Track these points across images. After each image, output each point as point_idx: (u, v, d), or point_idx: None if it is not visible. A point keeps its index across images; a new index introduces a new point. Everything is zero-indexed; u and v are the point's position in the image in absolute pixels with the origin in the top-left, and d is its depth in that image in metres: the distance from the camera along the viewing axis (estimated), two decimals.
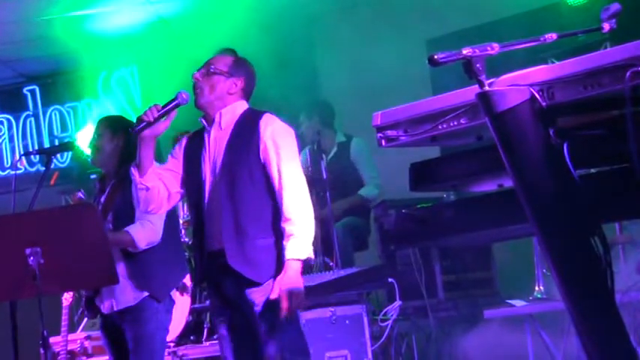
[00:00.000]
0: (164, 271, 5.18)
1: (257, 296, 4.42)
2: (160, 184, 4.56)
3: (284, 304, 4.29)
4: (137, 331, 5.09)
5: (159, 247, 5.13)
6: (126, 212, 5.15)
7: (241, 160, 4.47)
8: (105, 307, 5.20)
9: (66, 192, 9.97)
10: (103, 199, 5.33)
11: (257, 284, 4.41)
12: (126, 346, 5.15)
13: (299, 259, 4.36)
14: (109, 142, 5.34)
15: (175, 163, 4.67)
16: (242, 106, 4.64)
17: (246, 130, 4.50)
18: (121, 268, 5.09)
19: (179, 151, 4.69)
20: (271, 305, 4.38)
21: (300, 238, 4.37)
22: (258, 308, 4.41)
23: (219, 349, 4.66)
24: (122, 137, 5.35)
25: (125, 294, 5.12)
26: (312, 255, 4.45)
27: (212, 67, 4.57)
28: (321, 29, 9.43)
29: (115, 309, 5.14)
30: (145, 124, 4.42)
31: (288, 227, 4.38)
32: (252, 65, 4.75)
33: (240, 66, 4.66)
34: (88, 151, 5.65)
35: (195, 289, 7.10)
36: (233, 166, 4.46)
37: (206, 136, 4.61)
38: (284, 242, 4.36)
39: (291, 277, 4.32)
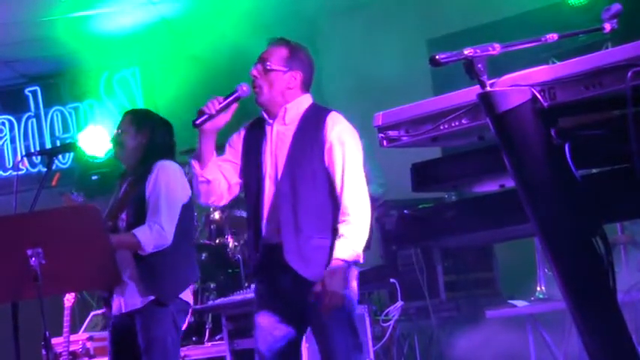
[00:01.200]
0: (173, 275, 5.13)
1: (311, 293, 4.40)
2: (220, 177, 4.53)
3: (321, 302, 4.28)
4: (148, 334, 5.05)
5: (169, 250, 5.08)
6: (141, 211, 5.12)
7: (305, 157, 4.43)
8: (115, 307, 5.18)
9: (67, 193, 9.99)
10: (119, 195, 5.30)
11: (312, 282, 4.38)
12: (133, 349, 5.11)
13: (344, 260, 4.33)
14: (132, 138, 5.25)
15: (234, 153, 4.62)
16: (306, 100, 4.58)
17: (312, 128, 4.45)
18: (130, 270, 5.08)
19: (237, 140, 4.64)
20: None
21: (351, 240, 4.36)
22: (311, 304, 4.39)
23: (255, 340, 4.61)
24: (146, 134, 5.28)
25: (133, 296, 5.09)
26: (360, 258, 4.41)
27: (268, 63, 4.49)
28: (323, 30, 9.43)
29: (124, 310, 5.12)
30: (206, 116, 4.37)
31: (341, 227, 4.36)
32: (308, 51, 4.67)
33: (297, 57, 4.56)
34: (109, 145, 5.58)
35: (198, 290, 7.11)
36: (296, 162, 4.42)
37: (268, 128, 4.56)
38: (335, 241, 4.36)
39: (332, 277, 4.30)
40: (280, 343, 4.49)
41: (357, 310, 4.61)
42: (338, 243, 4.34)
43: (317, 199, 4.40)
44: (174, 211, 5.11)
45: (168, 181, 5.11)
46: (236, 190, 4.65)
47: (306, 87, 4.60)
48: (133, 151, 5.25)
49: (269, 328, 4.51)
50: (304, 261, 4.38)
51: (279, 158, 4.48)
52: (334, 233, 4.41)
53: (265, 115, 4.58)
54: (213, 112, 4.37)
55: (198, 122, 4.38)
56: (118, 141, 5.29)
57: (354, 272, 4.53)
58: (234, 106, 4.43)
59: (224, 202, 4.69)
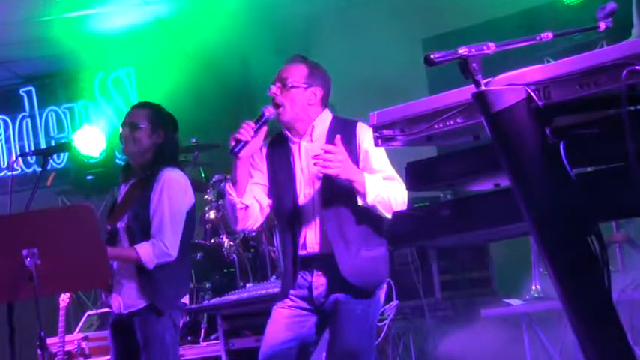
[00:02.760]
0: (172, 287, 5.12)
1: (346, 301, 4.47)
2: (253, 201, 4.58)
3: (331, 155, 4.29)
4: (146, 332, 5.05)
5: (172, 262, 5.09)
6: (141, 218, 5.10)
7: None
8: (115, 306, 5.19)
9: (63, 193, 9.99)
10: (121, 196, 5.27)
11: (352, 290, 4.44)
12: (133, 346, 5.11)
13: (364, 179, 4.33)
14: (147, 136, 5.17)
15: (260, 175, 4.67)
16: (328, 115, 4.66)
17: (343, 140, 4.43)
18: (131, 274, 5.07)
19: (261, 161, 4.68)
20: (350, 306, 4.45)
21: (384, 184, 4.39)
22: (343, 311, 4.46)
23: (266, 330, 4.64)
24: (161, 134, 5.21)
25: (131, 299, 5.09)
26: (368, 193, 4.36)
27: (288, 81, 4.54)
28: (317, 29, 9.43)
29: (123, 311, 5.12)
30: (243, 144, 4.41)
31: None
32: (325, 69, 4.72)
33: (316, 74, 4.63)
34: (105, 145, 5.50)
35: (193, 290, 7.10)
36: (332, 177, 4.41)
37: (294, 147, 4.61)
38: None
39: (349, 162, 4.33)
40: (289, 344, 4.53)
41: (376, 321, 4.65)
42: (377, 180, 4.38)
43: (358, 210, 4.44)
44: (179, 226, 5.10)
45: (173, 195, 5.08)
46: (267, 211, 4.70)
47: (325, 103, 4.67)
48: (145, 151, 5.18)
49: (283, 326, 4.56)
50: (359, 273, 4.45)
51: (314, 176, 4.53)
52: (377, 243, 4.50)
53: (288, 134, 4.61)
54: (249, 139, 4.41)
55: (236, 150, 4.43)
56: (131, 136, 5.19)
57: (384, 287, 4.63)
58: (264, 129, 4.49)
59: (258, 224, 4.74)
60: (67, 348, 7.10)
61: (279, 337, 4.53)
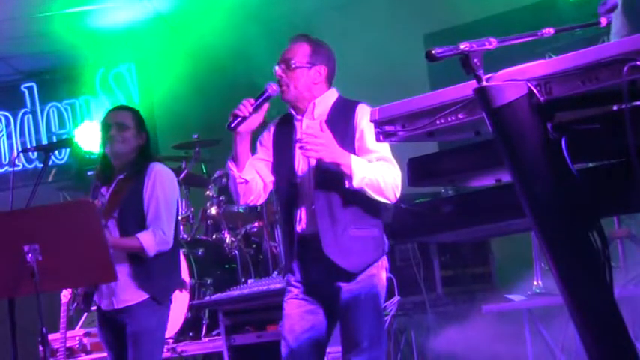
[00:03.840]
0: (167, 275, 5.20)
1: (347, 284, 4.47)
2: (256, 176, 4.61)
3: (313, 138, 4.30)
4: (137, 327, 5.08)
5: (165, 253, 5.14)
6: (134, 210, 5.13)
7: None
8: (104, 303, 5.19)
9: (64, 189, 9.99)
10: (108, 194, 5.28)
11: (349, 273, 4.44)
12: (123, 342, 5.13)
13: (351, 160, 4.33)
14: (134, 137, 5.27)
15: (265, 151, 4.69)
16: (333, 94, 4.66)
17: (342, 120, 4.51)
18: (124, 267, 5.09)
19: (268, 138, 4.71)
20: (355, 292, 4.45)
21: (372, 165, 4.37)
22: (345, 296, 4.46)
23: (282, 328, 4.68)
24: (144, 136, 5.34)
25: (126, 293, 5.11)
26: (355, 175, 4.35)
27: (293, 61, 4.55)
28: (319, 25, 9.41)
29: (115, 307, 5.13)
30: (240, 119, 4.44)
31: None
32: (329, 46, 4.74)
33: (320, 52, 4.64)
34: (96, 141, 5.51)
35: (194, 286, 7.10)
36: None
37: (297, 124, 4.62)
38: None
39: (334, 143, 4.33)
40: (307, 334, 4.55)
41: (383, 302, 4.65)
42: (366, 161, 4.38)
43: (352, 189, 4.41)
44: (173, 215, 5.18)
45: (165, 186, 5.16)
46: (271, 188, 4.72)
47: (330, 81, 4.68)
48: (132, 150, 5.26)
49: (297, 317, 4.57)
50: (342, 252, 4.44)
51: None
52: (369, 224, 4.49)
53: (293, 112, 4.65)
54: (247, 114, 4.45)
55: (233, 125, 4.46)
56: (121, 136, 5.25)
57: (385, 263, 4.61)
58: (266, 105, 4.51)
59: (261, 200, 4.76)
60: (69, 344, 7.10)
61: (296, 330, 4.54)
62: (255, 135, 4.71)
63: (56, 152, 10.01)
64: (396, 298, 6.71)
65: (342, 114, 4.53)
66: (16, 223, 4.66)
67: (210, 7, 9.03)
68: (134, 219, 5.11)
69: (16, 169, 9.88)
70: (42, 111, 10.66)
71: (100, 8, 9.02)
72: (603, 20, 2.76)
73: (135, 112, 5.40)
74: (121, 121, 5.26)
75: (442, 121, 2.68)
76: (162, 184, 5.15)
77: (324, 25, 9.33)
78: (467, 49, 2.46)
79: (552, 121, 2.45)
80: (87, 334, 7.26)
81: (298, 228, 4.53)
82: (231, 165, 4.57)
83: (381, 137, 2.86)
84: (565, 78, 2.40)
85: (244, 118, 4.43)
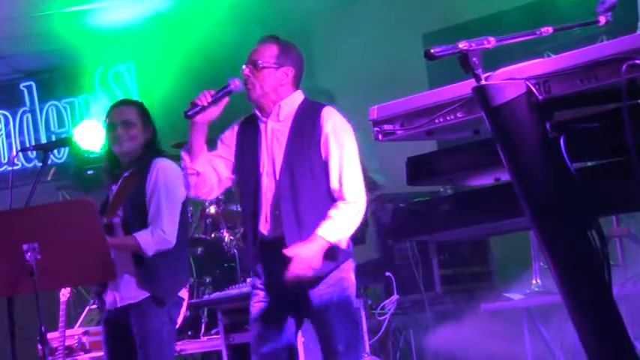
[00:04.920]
0: (171, 275, 5.12)
1: (315, 289, 4.46)
2: (210, 170, 4.56)
3: (292, 267, 4.31)
4: (143, 326, 5.05)
5: (170, 250, 5.10)
6: (138, 208, 5.10)
7: (303, 152, 4.47)
8: (109, 302, 5.17)
9: (63, 188, 9.99)
10: (114, 191, 5.27)
11: (316, 276, 4.42)
12: (128, 343, 5.11)
13: (325, 239, 4.35)
14: (141, 132, 5.21)
15: (226, 149, 4.66)
16: (299, 96, 4.64)
17: (308, 123, 4.50)
18: (128, 265, 5.07)
19: (230, 137, 4.68)
20: (326, 298, 4.45)
21: (337, 222, 4.39)
22: (316, 301, 4.45)
23: (250, 334, 4.65)
24: (151, 129, 5.28)
25: (129, 290, 5.08)
26: (342, 244, 4.43)
27: (259, 61, 4.53)
28: (318, 24, 9.43)
29: (118, 305, 5.11)
30: (198, 108, 4.41)
31: (332, 211, 4.41)
32: (298, 48, 4.72)
33: (288, 54, 4.61)
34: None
35: (193, 285, 7.10)
36: (294, 158, 4.47)
37: (262, 126, 4.60)
38: (322, 221, 4.39)
39: (307, 246, 4.33)
40: (277, 337, 4.51)
41: (355, 304, 4.64)
42: (324, 223, 4.38)
43: (317, 193, 4.44)
44: (176, 213, 5.11)
45: (168, 182, 5.10)
46: (227, 184, 4.69)
47: (297, 83, 4.65)
48: (140, 146, 5.21)
49: (266, 321, 4.53)
50: None
51: (276, 154, 4.52)
52: None
53: (258, 113, 4.62)
54: (205, 104, 4.41)
55: (189, 113, 4.43)
56: (127, 133, 5.20)
57: (352, 265, 4.58)
58: (226, 99, 4.49)
59: (214, 195, 4.74)
60: (68, 343, 7.09)
61: (266, 337, 4.53)
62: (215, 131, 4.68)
63: (55, 151, 10.01)
64: (395, 296, 6.72)
65: (307, 117, 4.52)
66: (15, 222, 4.66)
67: (209, 6, 9.03)
68: (138, 217, 5.08)
69: (15, 167, 9.86)
70: (41, 110, 10.65)
71: (99, 7, 9.01)
72: (602, 19, 2.75)
73: (139, 106, 5.35)
74: (126, 119, 5.21)
75: (441, 119, 2.68)
76: (165, 181, 5.09)
77: (322, 25, 9.35)
78: (465, 47, 2.46)
79: (551, 120, 2.45)
80: (86, 333, 7.25)
81: (263, 230, 4.50)
82: (184, 155, 4.53)
83: (380, 136, 2.86)
84: (564, 77, 2.41)
85: (203, 108, 4.40)
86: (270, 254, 4.48)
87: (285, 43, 4.64)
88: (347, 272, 4.54)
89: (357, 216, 4.46)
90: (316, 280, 4.44)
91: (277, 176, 4.48)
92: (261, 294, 4.56)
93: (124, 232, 5.12)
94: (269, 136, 4.56)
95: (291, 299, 4.50)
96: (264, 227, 4.50)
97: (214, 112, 4.46)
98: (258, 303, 4.57)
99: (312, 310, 4.48)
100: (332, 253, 4.44)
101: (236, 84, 4.48)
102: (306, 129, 4.49)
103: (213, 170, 4.57)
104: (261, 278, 4.57)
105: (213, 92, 4.43)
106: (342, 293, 4.48)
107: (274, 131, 4.55)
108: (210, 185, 4.59)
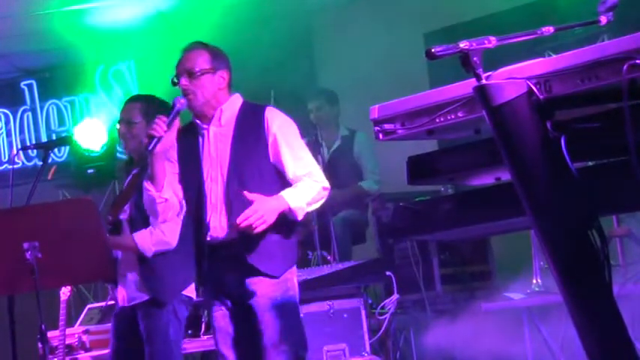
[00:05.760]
0: (172, 276, 5.12)
1: (262, 288, 4.45)
2: (172, 193, 4.58)
3: (246, 211, 4.29)
4: (149, 325, 5.06)
5: (172, 251, 5.10)
6: (143, 206, 5.09)
7: (249, 155, 4.47)
8: (119, 298, 5.19)
9: (63, 186, 9.99)
10: (122, 187, 5.25)
11: (269, 277, 4.44)
12: (135, 339, 5.10)
13: (286, 200, 4.36)
14: (145, 129, 5.09)
15: (172, 165, 4.64)
16: (238, 100, 4.64)
17: (251, 125, 4.50)
18: (133, 265, 5.08)
19: (173, 151, 4.65)
20: (276, 299, 4.44)
21: (301, 191, 4.42)
22: (262, 300, 4.44)
23: (213, 343, 4.67)
24: None
25: (134, 291, 5.10)
26: (299, 214, 4.42)
27: (196, 69, 4.52)
28: (319, 24, 9.43)
29: (126, 304, 5.13)
30: (157, 139, 4.41)
31: (297, 183, 4.45)
32: (226, 53, 4.71)
33: (219, 58, 4.62)
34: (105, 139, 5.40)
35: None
36: (241, 161, 4.46)
37: (204, 132, 4.58)
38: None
39: (270, 200, 4.34)
40: (244, 344, 4.52)
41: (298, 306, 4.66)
42: (288, 189, 4.42)
43: (267, 194, 4.41)
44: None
45: None
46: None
47: (230, 87, 4.64)
48: (143, 144, 5.20)
49: (225, 327, 4.55)
50: (262, 256, 4.44)
51: (222, 160, 4.52)
52: (285, 226, 4.47)
53: (198, 121, 4.61)
54: (163, 133, 4.41)
55: (151, 147, 4.42)
56: (128, 133, 5.22)
57: (295, 270, 4.62)
58: (177, 122, 4.50)
59: (180, 214, 4.74)
60: (68, 341, 7.10)
61: (231, 345, 4.55)
62: None
63: (55, 150, 10.02)
64: (395, 296, 6.71)
65: (250, 119, 4.52)
66: (15, 221, 4.66)
67: (209, 5, 9.02)
68: (142, 216, 5.08)
69: (15, 166, 9.83)
70: (41, 108, 10.65)
71: (100, 6, 9.01)
72: (603, 19, 2.75)
73: (143, 102, 5.32)
74: (128, 117, 5.23)
75: (442, 119, 2.68)
76: None
77: (324, 25, 9.35)
78: (466, 47, 2.46)
79: (552, 120, 2.45)
80: (86, 332, 7.25)
81: (209, 235, 4.49)
82: (148, 186, 4.53)
83: (381, 135, 2.86)
84: (565, 76, 2.41)
85: (160, 138, 4.40)
86: (220, 259, 4.49)
87: (213, 48, 4.65)
88: (292, 275, 4.58)
89: (320, 194, 4.49)
90: (268, 280, 4.45)
91: (225, 180, 4.48)
92: (217, 302, 4.58)
93: (130, 230, 5.13)
94: (212, 141, 4.56)
95: (240, 303, 4.51)
96: (212, 233, 4.49)
97: (171, 137, 4.47)
98: (217, 311, 4.59)
99: (258, 309, 4.46)
100: (287, 254, 4.51)
101: (181, 102, 4.49)
102: (250, 131, 4.50)
103: (173, 193, 4.59)
104: (210, 285, 4.58)
105: (164, 119, 4.43)
106: (286, 292, 4.49)
107: (217, 136, 4.55)
108: (175, 207, 4.62)
